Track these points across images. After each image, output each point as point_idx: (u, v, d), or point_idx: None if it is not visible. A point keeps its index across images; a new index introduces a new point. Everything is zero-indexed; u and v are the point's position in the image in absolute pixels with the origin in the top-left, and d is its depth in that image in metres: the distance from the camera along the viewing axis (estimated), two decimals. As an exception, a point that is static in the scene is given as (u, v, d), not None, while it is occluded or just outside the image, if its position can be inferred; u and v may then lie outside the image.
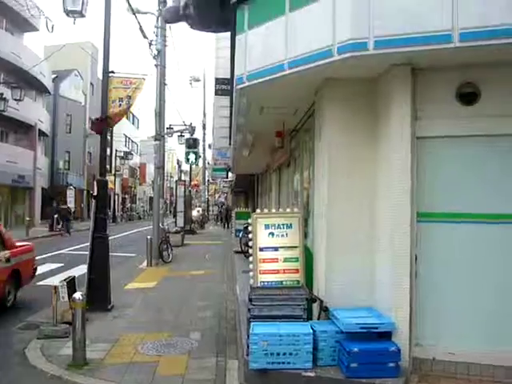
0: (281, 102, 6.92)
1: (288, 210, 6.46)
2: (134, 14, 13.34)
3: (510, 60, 4.82)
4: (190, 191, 38.74)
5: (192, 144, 25.35)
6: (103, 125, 8.69)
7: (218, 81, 21.32)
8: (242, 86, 5.74)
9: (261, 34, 5.53)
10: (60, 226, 28.14)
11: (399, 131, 5.20)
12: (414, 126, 5.22)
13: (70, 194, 33.10)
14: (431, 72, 5.21)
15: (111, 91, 9.21)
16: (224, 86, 20.38)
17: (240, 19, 5.79)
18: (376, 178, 5.66)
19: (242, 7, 5.77)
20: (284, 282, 5.88)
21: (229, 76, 18.50)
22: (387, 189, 5.36)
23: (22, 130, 32.19)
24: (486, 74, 5.08)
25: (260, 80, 5.49)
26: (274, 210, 6.76)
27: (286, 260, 5.95)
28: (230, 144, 15.22)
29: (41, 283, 10.72)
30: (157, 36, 14.82)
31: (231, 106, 10.05)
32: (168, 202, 57.06)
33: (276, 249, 5.98)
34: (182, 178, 53.22)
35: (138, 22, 13.81)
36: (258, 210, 6.44)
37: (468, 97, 5.17)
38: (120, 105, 9.11)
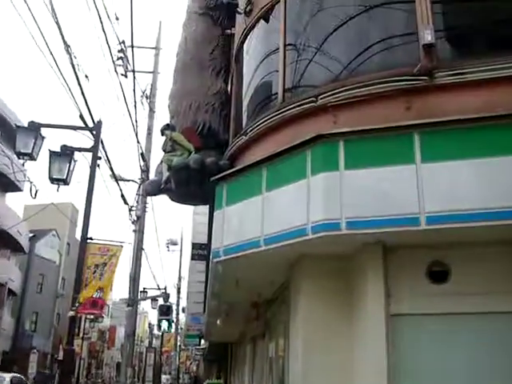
0: (257, 275, 6.98)
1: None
2: (116, 181, 13.85)
3: (477, 240, 5.02)
4: (160, 358, 37.15)
5: (165, 311, 24.82)
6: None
7: (194, 246, 21.60)
8: (218, 259, 5.86)
9: (238, 210, 5.77)
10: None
11: (373, 308, 5.22)
12: (387, 303, 5.25)
13: (33, 359, 31.51)
14: (402, 251, 5.37)
15: (88, 257, 9.27)
16: (201, 251, 20.61)
17: (219, 196, 6.07)
18: (353, 354, 5.55)
19: (221, 184, 6.10)
20: None
21: (205, 241, 18.82)
22: (364, 367, 5.25)
23: (-10, 289, 31.48)
24: (455, 253, 5.23)
25: (236, 255, 5.62)
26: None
27: None
28: (204, 311, 14.97)
29: None
30: (137, 203, 15.27)
31: (207, 273, 10.10)
32: (137, 368, 54.35)
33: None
34: (153, 342, 51.33)
35: (120, 189, 14.31)
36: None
37: (438, 275, 5.29)
38: (95, 271, 9.10)
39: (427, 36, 5.42)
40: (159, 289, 26.59)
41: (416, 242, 5.20)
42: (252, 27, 7.51)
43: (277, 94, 6.66)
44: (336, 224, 4.80)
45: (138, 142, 15.04)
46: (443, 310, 5.21)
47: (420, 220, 4.64)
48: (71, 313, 8.30)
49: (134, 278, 15.53)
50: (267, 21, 7.28)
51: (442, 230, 4.65)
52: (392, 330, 5.24)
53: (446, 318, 5.21)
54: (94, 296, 9.07)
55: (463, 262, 5.24)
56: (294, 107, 6.07)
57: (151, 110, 17.02)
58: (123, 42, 14.05)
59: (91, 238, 9.38)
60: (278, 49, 6.88)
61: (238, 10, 7.65)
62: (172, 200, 8.07)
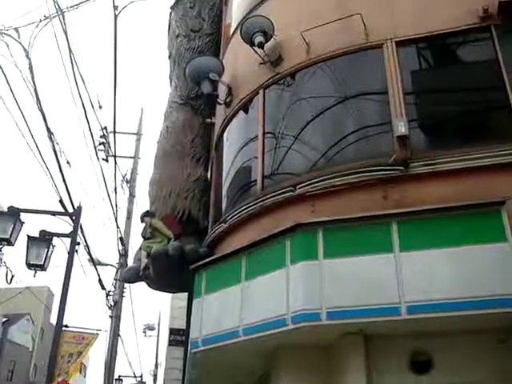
0: (235, 365, 6.79)
1: None
2: (94, 266, 13.65)
3: (459, 330, 5.00)
4: None
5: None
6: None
7: (172, 331, 21.01)
8: (196, 350, 5.73)
9: (217, 299, 5.72)
10: None
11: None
12: (369, 394, 5.15)
13: None
14: (384, 340, 5.30)
15: (62, 345, 8.99)
16: (178, 337, 20.04)
17: (198, 284, 6.03)
18: None
19: (200, 272, 6.08)
20: None
21: (183, 326, 18.35)
22: None
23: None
24: (438, 342, 5.19)
25: (215, 345, 5.51)
26: None
27: None
28: (181, 400, 14.41)
29: None
30: (115, 288, 15.02)
31: (185, 361, 9.81)
32: None
33: None
34: None
35: (98, 274, 14.08)
36: None
37: (421, 366, 5.21)
38: (69, 361, 8.81)
39: (401, 128, 5.63)
40: (135, 376, 25.64)
41: (397, 331, 5.15)
42: (232, 117, 7.74)
43: (256, 180, 6.76)
44: (316, 314, 4.78)
45: (118, 226, 14.99)
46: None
47: (401, 309, 4.64)
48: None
49: (110, 366, 15.01)
50: (246, 111, 7.51)
51: (423, 319, 4.64)
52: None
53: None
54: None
55: (445, 352, 5.19)
56: (273, 196, 6.16)
57: (131, 195, 17.10)
58: (105, 128, 14.30)
59: (66, 326, 9.14)
60: (256, 137, 7.06)
61: (219, 100, 7.89)
62: (150, 287, 7.97)
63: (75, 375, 9.66)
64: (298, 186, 5.95)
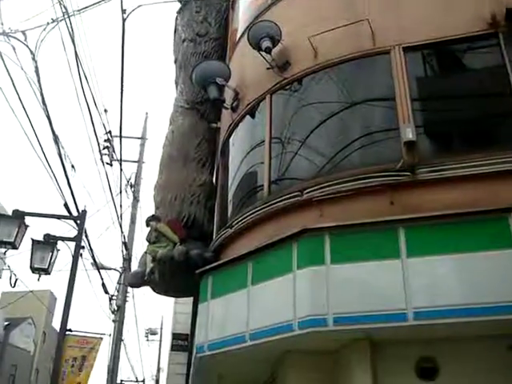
0: (241, 371, 6.78)
1: None
2: (98, 270, 13.65)
3: (465, 336, 4.98)
4: None
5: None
6: None
7: (174, 336, 20.98)
8: (202, 354, 5.72)
9: (223, 304, 5.72)
10: None
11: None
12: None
13: None
14: (390, 346, 5.28)
15: (66, 350, 8.97)
16: (181, 342, 20.00)
17: (204, 288, 6.02)
18: None
19: (206, 277, 6.06)
20: None
21: (186, 331, 18.32)
22: None
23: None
24: (444, 349, 5.18)
25: (221, 350, 5.50)
26: None
27: None
28: (184, 405, 14.38)
29: None
30: (118, 292, 15.00)
31: (188, 366, 9.78)
32: None
33: None
34: None
35: (102, 278, 14.08)
36: None
37: (427, 372, 5.19)
38: (73, 365, 8.79)
39: (408, 133, 5.62)
40: (137, 381, 25.58)
41: (404, 337, 5.14)
42: (238, 122, 7.74)
43: (262, 185, 6.76)
44: (323, 320, 4.77)
45: (122, 231, 14.98)
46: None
47: (407, 315, 4.63)
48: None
49: (113, 371, 14.99)
50: (253, 116, 7.51)
51: (430, 325, 4.63)
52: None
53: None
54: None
55: (451, 358, 5.17)
56: (279, 201, 6.15)
57: (135, 199, 17.11)
58: (110, 132, 14.32)
59: (70, 330, 9.12)
60: (263, 142, 7.06)
61: (225, 105, 7.89)
62: (155, 291, 7.95)
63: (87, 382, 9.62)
64: (304, 191, 5.95)
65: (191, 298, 9.37)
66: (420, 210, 5.17)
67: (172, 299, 23.01)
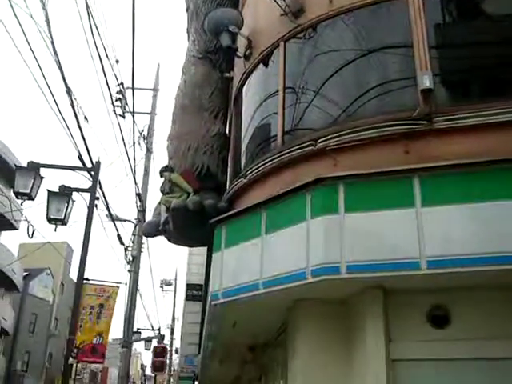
0: (254, 318, 6.91)
1: None
2: (113, 221, 13.80)
3: (478, 284, 4.99)
4: (153, 400, 36.38)
5: (160, 352, 24.30)
6: None
7: (189, 286, 21.37)
8: (216, 301, 5.81)
9: (237, 252, 5.75)
10: None
11: (374, 353, 5.15)
12: (387, 347, 5.18)
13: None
14: (403, 295, 5.32)
15: (84, 298, 9.17)
16: (195, 292, 20.39)
17: (217, 238, 6.05)
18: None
19: (219, 227, 6.09)
20: None
21: (200, 282, 18.65)
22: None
23: (-18, 329, 31.00)
24: (456, 297, 5.19)
25: (235, 297, 5.57)
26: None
27: None
28: (198, 352, 14.74)
29: None
30: (133, 243, 15.18)
31: (203, 315, 9.99)
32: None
33: None
34: (146, 384, 50.31)
35: (117, 229, 14.24)
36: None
37: (439, 320, 5.24)
38: (90, 313, 8.99)
39: (425, 81, 5.50)
40: (153, 330, 26.22)
41: (417, 286, 5.17)
42: (251, 71, 7.63)
43: (276, 136, 6.71)
44: (336, 268, 4.78)
45: (136, 182, 15.05)
46: (444, 356, 5.14)
47: (421, 264, 4.63)
48: (71, 360, 8.13)
49: (129, 319, 15.29)
50: (266, 65, 7.39)
51: (443, 274, 4.63)
52: (393, 376, 5.16)
53: (447, 364, 5.15)
54: (94, 342, 8.92)
55: (463, 307, 5.20)
56: (293, 150, 6.11)
57: (148, 151, 17.11)
58: (122, 84, 14.21)
59: (87, 279, 9.30)
60: (277, 91, 6.96)
61: (238, 54, 7.76)
62: (169, 241, 8.03)
63: (108, 332, 9.85)
64: (318, 141, 5.89)
65: (205, 250, 9.50)
66: (436, 159, 5.10)
67: (186, 250, 23.38)
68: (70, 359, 8.47)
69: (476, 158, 4.85)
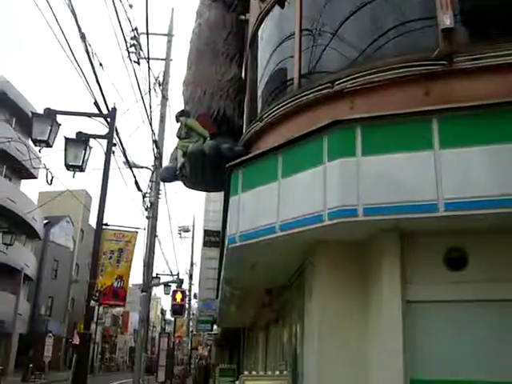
0: (271, 261, 6.99)
1: (277, 372, 6.26)
2: (130, 168, 13.88)
3: (496, 227, 4.97)
4: (173, 343, 37.47)
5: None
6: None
7: (206, 233, 21.66)
8: (233, 245, 5.87)
9: (254, 196, 5.76)
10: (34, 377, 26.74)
11: (390, 294, 5.20)
12: (404, 289, 5.22)
13: (49, 343, 31.89)
14: (419, 237, 5.33)
15: (103, 243, 9.32)
16: (213, 238, 20.68)
17: (234, 182, 6.06)
18: (368, 340, 5.55)
19: (236, 171, 6.09)
20: None
21: (217, 229, 18.86)
22: (379, 353, 5.25)
23: (6, 273, 31.84)
24: (473, 240, 5.19)
25: (252, 241, 5.62)
26: (261, 372, 6.55)
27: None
28: (216, 297, 15.04)
29: None
30: (151, 189, 15.29)
31: (220, 260, 10.13)
32: (150, 353, 54.81)
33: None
34: (166, 328, 51.72)
35: (134, 176, 14.33)
36: (246, 372, 6.24)
37: (456, 262, 5.26)
38: (110, 257, 9.17)
39: (446, 20, 5.35)
40: (172, 275, 26.76)
41: (434, 228, 5.16)
42: (267, 13, 7.45)
43: (292, 79, 6.61)
44: (353, 210, 4.78)
45: (152, 129, 15.03)
46: (460, 297, 5.18)
47: (438, 206, 4.60)
48: (93, 303, 8.33)
49: (148, 264, 15.58)
50: (282, 6, 7.22)
51: (460, 216, 4.61)
52: (408, 317, 5.23)
53: (463, 305, 5.19)
54: (114, 285, 9.14)
55: (481, 249, 5.20)
56: (310, 93, 6.02)
57: (164, 97, 17.00)
58: (136, 29, 14.01)
59: (106, 224, 9.43)
60: (293, 34, 6.82)
61: (253, -5, 7.59)
62: (186, 186, 8.07)
63: (128, 276, 10.06)
64: (335, 83, 5.79)
65: (222, 196, 9.53)
66: (456, 100, 4.99)
67: (203, 197, 23.60)
68: (92, 302, 8.69)
69: (496, 99, 4.74)
